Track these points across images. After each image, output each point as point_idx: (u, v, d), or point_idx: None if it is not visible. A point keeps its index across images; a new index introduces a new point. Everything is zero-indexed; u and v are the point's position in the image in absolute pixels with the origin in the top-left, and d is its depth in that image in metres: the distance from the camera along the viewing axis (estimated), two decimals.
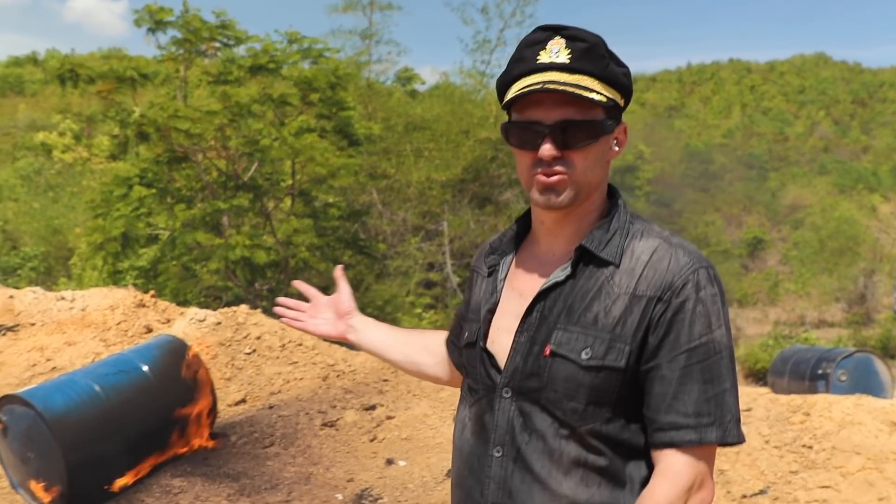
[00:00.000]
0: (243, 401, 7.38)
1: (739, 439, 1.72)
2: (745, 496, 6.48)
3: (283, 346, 8.48)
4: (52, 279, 24.61)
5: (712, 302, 1.71)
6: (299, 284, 2.44)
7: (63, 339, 8.58)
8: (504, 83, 1.80)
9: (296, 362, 8.22)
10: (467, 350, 1.93)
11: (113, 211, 17.20)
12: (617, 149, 1.83)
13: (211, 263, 17.11)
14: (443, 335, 2.29)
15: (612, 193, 1.88)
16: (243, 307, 9.02)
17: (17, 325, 9.21)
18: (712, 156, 74.36)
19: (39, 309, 9.54)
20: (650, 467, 1.76)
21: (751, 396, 8.28)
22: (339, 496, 5.67)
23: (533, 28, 1.80)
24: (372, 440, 6.71)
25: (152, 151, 17.90)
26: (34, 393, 5.40)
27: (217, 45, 18.68)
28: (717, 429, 1.68)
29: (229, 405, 7.25)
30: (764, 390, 8.94)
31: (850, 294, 41.96)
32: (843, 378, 16.66)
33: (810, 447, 7.28)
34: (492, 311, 1.89)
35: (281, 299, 2.41)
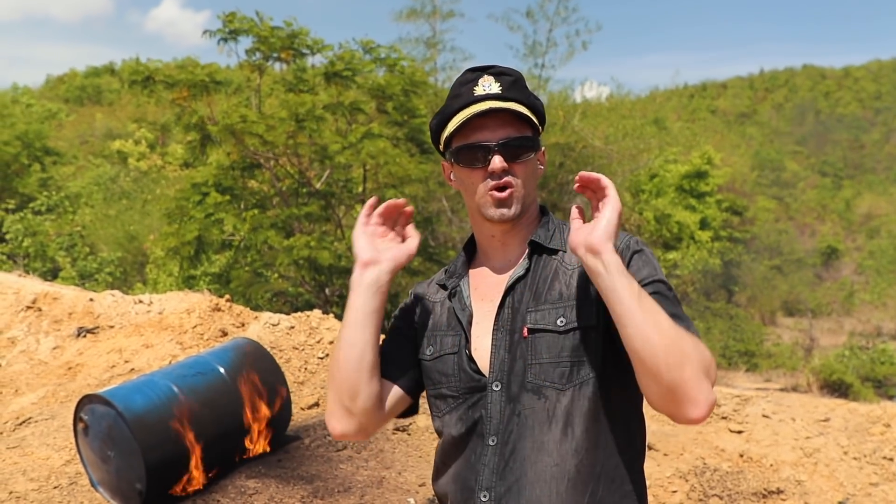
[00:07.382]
0: (316, 404, 7.44)
1: None
2: None
3: None
4: (128, 284, 25.05)
5: (652, 255, 1.99)
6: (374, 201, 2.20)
7: (141, 342, 8.75)
8: (443, 119, 2.08)
9: None
10: (438, 361, 2.09)
11: (186, 217, 17.44)
12: (541, 168, 2.15)
13: (279, 263, 17.20)
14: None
15: (542, 209, 2.20)
16: (316, 312, 9.10)
17: (97, 328, 9.41)
18: (785, 164, 73.20)
19: (118, 312, 9.74)
20: (631, 429, 1.99)
21: (828, 407, 8.12)
22: (412, 500, 5.69)
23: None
24: None
25: (227, 158, 18.12)
26: (115, 393, 5.51)
27: (293, 53, 18.82)
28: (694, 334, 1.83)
29: (303, 409, 7.32)
30: (841, 401, 8.76)
31: None
32: None
33: (891, 459, 7.12)
34: (470, 323, 2.07)
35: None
